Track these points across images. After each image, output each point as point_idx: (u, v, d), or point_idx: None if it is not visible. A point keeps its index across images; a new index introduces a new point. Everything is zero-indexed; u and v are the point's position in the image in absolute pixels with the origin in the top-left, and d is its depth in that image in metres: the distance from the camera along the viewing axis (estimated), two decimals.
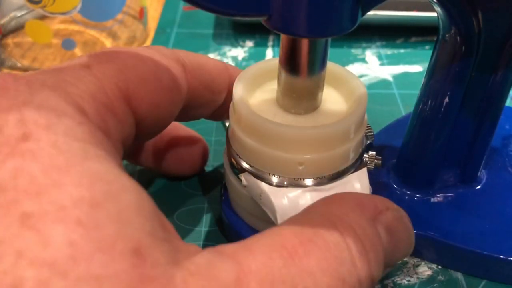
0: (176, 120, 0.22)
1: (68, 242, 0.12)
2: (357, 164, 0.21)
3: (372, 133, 0.23)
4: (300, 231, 0.15)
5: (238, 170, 0.21)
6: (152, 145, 0.26)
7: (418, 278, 0.23)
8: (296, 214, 0.17)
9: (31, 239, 0.12)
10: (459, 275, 0.24)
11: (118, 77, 0.17)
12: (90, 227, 0.12)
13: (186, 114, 0.22)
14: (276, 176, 0.20)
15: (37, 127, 0.14)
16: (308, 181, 0.20)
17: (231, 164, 0.22)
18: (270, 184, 0.20)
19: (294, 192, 0.20)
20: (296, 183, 0.20)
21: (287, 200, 0.19)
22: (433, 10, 0.21)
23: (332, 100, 0.22)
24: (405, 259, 0.24)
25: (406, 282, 0.23)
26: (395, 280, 0.23)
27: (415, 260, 0.24)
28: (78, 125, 0.15)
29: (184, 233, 0.25)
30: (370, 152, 0.21)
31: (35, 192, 0.13)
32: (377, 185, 0.24)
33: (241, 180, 0.21)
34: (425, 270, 0.24)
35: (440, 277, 0.23)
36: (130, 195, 0.14)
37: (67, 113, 0.15)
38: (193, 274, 0.13)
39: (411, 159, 0.25)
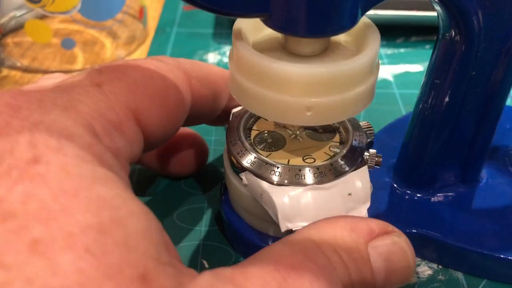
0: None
1: (76, 269, 0.12)
2: (358, 162, 0.21)
3: (373, 131, 0.23)
4: (292, 255, 0.16)
5: (238, 169, 0.21)
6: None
7: (418, 277, 0.23)
8: (288, 236, 0.18)
9: (41, 266, 0.12)
10: (460, 275, 0.23)
11: (128, 96, 0.18)
12: (98, 254, 0.12)
13: (188, 122, 0.22)
14: (276, 175, 0.20)
15: (47, 149, 0.14)
16: (309, 179, 0.20)
17: (232, 163, 0.22)
18: (271, 182, 0.20)
19: (295, 191, 0.20)
20: (297, 182, 0.20)
21: (288, 198, 0.19)
22: (433, 9, 0.21)
23: (340, 41, 0.21)
24: None
25: None
26: None
27: (416, 260, 0.24)
28: (88, 146, 0.15)
29: (184, 233, 0.25)
30: (371, 150, 0.21)
31: (45, 218, 0.13)
32: (378, 184, 0.24)
33: (241, 179, 0.21)
34: (425, 269, 0.24)
35: (440, 277, 0.23)
36: (137, 221, 0.14)
37: (77, 134, 0.15)
38: None
39: (412, 158, 0.25)
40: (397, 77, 0.37)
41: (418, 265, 0.24)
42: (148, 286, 0.13)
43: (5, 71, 0.36)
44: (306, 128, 0.23)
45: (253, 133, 0.23)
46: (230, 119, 0.23)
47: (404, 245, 0.18)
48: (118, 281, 0.12)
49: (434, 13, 0.22)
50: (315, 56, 0.19)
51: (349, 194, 0.20)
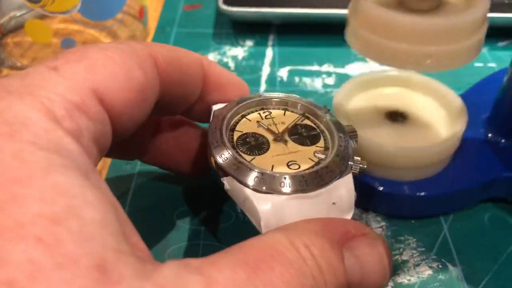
0: (151, 115, 0.21)
1: (27, 260, 0.12)
2: (343, 170, 0.21)
3: (357, 136, 0.23)
4: (262, 248, 0.16)
5: (220, 173, 0.20)
6: (163, 144, 0.25)
7: (418, 277, 0.23)
8: (262, 234, 0.18)
9: None
10: (460, 274, 0.24)
11: (87, 77, 0.17)
12: (51, 244, 0.12)
13: (160, 109, 0.21)
14: (261, 182, 0.19)
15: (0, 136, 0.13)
16: (294, 188, 0.19)
17: (212, 166, 0.21)
18: (255, 190, 0.19)
19: (279, 199, 0.19)
20: (281, 189, 0.19)
21: (272, 207, 0.19)
22: None
23: None
24: (405, 258, 0.24)
25: (406, 281, 0.23)
26: (395, 280, 0.23)
27: (415, 260, 0.24)
28: (45, 132, 0.14)
29: (184, 232, 0.25)
30: (355, 158, 0.21)
31: None
32: (472, 138, 0.27)
33: (223, 184, 0.20)
34: (425, 269, 0.24)
35: (440, 276, 0.23)
36: (93, 210, 0.13)
37: (33, 120, 0.14)
38: (162, 286, 0.13)
39: (506, 113, 0.27)
40: None
41: (418, 265, 0.24)
42: (106, 276, 0.12)
43: (5, 71, 0.36)
44: (290, 131, 0.22)
45: (236, 134, 0.22)
46: (212, 117, 0.22)
47: (380, 248, 0.18)
48: (73, 271, 0.12)
49: None
50: (431, 11, 0.22)
51: (334, 203, 0.20)
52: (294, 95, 0.24)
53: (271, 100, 0.24)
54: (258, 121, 0.23)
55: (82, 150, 0.15)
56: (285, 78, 0.37)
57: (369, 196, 0.26)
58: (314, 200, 0.19)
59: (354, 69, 0.38)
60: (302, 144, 0.22)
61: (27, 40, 0.37)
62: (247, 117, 0.23)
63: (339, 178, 0.20)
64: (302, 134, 0.22)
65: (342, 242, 0.17)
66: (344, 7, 0.39)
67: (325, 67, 0.38)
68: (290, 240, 0.16)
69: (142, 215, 0.26)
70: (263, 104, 0.24)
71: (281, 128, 0.23)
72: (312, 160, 0.21)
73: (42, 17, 0.36)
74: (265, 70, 0.38)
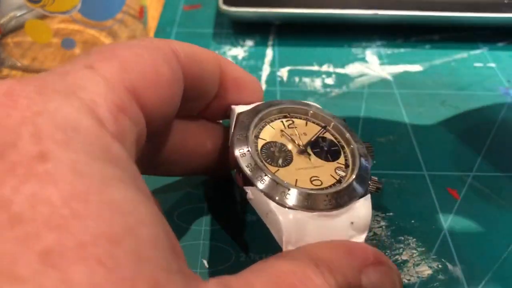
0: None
1: (90, 284, 0.12)
2: (364, 190, 0.21)
3: (373, 151, 0.22)
4: (292, 272, 0.16)
5: (241, 182, 0.20)
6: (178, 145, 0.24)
7: (418, 277, 0.23)
8: (289, 251, 0.18)
9: (54, 279, 0.11)
10: (460, 274, 0.24)
11: (123, 76, 0.17)
12: (110, 267, 0.12)
13: (180, 108, 0.21)
14: (286, 197, 0.19)
15: (55, 144, 0.13)
16: (318, 205, 0.19)
17: (235, 175, 0.21)
18: (279, 203, 0.19)
19: (302, 215, 0.19)
20: (305, 206, 0.19)
21: (295, 223, 0.19)
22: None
23: None
24: (405, 258, 0.24)
25: (406, 281, 0.23)
26: None
27: (415, 260, 0.24)
28: (96, 139, 0.14)
29: (184, 232, 0.25)
30: (373, 177, 0.21)
31: (55, 224, 0.12)
32: None
33: (246, 193, 0.20)
34: (425, 269, 0.24)
35: (440, 276, 0.23)
36: (147, 228, 0.13)
37: (84, 125, 0.14)
38: None
39: None
40: (397, 77, 0.37)
41: (418, 264, 0.24)
42: None
43: (6, 71, 0.36)
44: (313, 144, 0.22)
45: (260, 143, 0.22)
46: (235, 121, 0.22)
47: (395, 277, 0.19)
48: None
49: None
50: None
51: (352, 222, 0.20)
52: (315, 104, 0.24)
53: (294, 108, 0.23)
54: (281, 130, 0.22)
55: (128, 155, 0.15)
56: (285, 78, 0.37)
57: None
58: (335, 219, 0.19)
59: (354, 69, 0.38)
60: (324, 159, 0.22)
61: (27, 40, 0.37)
62: (270, 124, 0.23)
63: (359, 198, 0.20)
64: (324, 149, 0.22)
65: (361, 268, 0.18)
66: (344, 7, 0.39)
67: (325, 67, 0.38)
68: (317, 264, 0.17)
69: None
70: (285, 112, 0.23)
71: (304, 139, 0.22)
72: (334, 177, 0.21)
73: (42, 17, 0.36)
74: (265, 70, 0.38)
